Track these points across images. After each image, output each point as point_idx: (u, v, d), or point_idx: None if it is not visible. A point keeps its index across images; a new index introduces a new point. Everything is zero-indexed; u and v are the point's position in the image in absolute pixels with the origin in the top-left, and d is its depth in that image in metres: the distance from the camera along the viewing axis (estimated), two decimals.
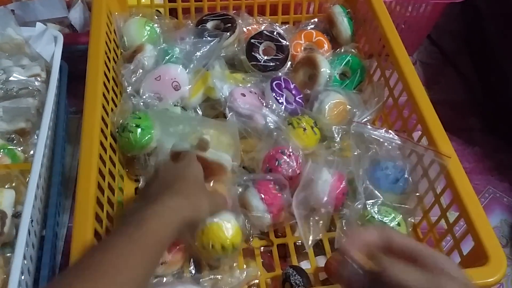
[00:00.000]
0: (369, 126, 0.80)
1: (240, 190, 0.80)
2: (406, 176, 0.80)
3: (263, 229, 0.81)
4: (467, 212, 0.70)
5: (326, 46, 1.03)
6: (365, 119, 0.90)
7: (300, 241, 0.81)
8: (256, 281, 0.76)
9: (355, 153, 0.80)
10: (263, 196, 0.77)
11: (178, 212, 0.58)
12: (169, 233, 0.55)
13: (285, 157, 0.81)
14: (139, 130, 0.83)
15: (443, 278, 0.42)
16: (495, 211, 1.00)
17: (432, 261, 0.44)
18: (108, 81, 0.89)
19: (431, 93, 1.23)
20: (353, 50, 1.02)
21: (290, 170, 0.81)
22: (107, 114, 0.84)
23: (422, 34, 1.26)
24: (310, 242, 0.77)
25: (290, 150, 0.82)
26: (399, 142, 0.80)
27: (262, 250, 0.81)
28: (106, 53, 0.91)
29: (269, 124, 0.88)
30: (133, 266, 0.49)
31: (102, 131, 0.80)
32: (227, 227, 0.72)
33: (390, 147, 0.80)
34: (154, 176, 0.69)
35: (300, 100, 0.94)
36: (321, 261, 0.80)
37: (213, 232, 0.72)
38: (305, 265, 0.84)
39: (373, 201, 0.77)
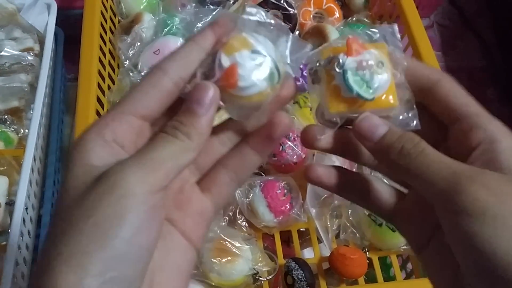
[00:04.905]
0: None
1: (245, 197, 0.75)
2: None
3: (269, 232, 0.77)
4: None
5: (337, 13, 0.96)
6: None
7: (303, 228, 0.79)
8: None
9: None
10: (269, 203, 0.73)
11: None
12: None
13: (289, 143, 0.77)
14: None
15: None
16: None
17: None
18: (105, 55, 0.84)
19: (447, 59, 1.17)
20: (365, 19, 0.95)
21: (295, 156, 0.77)
22: (103, 93, 0.80)
23: None
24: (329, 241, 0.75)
25: (296, 133, 0.78)
26: None
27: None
28: (102, 24, 0.85)
29: None
30: None
31: (97, 113, 0.76)
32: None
33: None
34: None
35: None
36: (325, 249, 0.78)
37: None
38: (308, 252, 0.82)
39: None
